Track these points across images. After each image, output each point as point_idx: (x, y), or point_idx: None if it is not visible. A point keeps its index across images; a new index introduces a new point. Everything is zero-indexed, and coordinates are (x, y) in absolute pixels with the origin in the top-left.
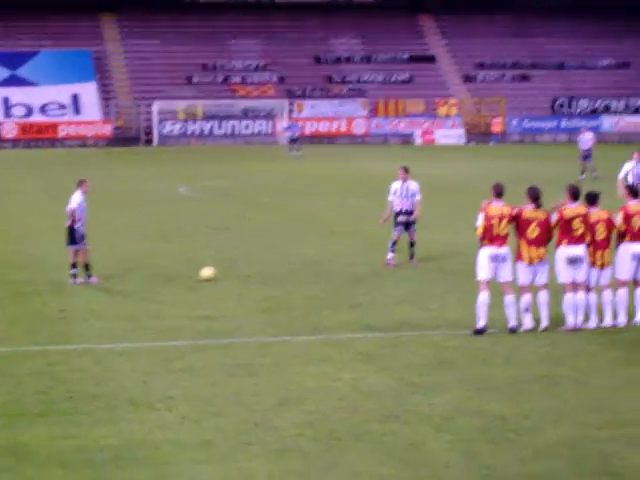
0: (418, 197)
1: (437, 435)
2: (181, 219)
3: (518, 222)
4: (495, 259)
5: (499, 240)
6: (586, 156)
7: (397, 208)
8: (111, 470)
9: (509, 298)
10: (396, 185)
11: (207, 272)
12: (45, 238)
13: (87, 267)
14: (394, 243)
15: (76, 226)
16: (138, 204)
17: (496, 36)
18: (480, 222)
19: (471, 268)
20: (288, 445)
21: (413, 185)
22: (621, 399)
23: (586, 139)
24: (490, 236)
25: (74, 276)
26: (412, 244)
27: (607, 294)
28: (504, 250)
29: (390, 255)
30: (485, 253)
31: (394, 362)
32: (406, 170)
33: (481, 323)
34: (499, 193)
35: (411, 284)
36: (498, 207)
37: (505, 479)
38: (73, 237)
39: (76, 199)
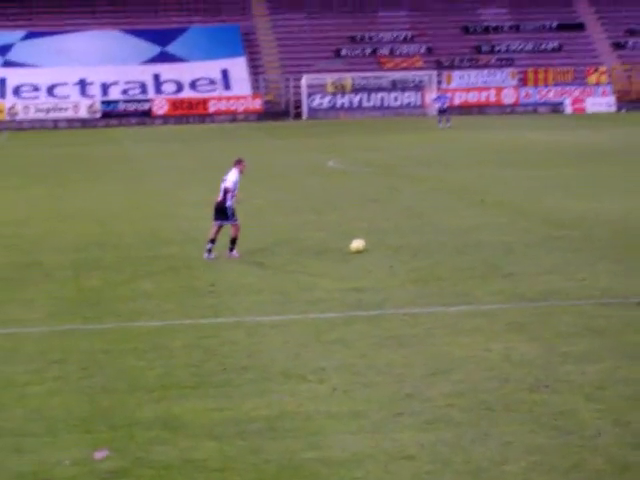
0: None
1: (588, 404)
2: (331, 192)
3: None
4: None
5: None
6: None
7: None
8: (263, 441)
9: None
10: None
11: (357, 244)
12: (195, 213)
13: (233, 241)
14: None
15: (228, 203)
16: (288, 177)
17: None
18: None
19: (619, 237)
20: (439, 415)
21: None
22: None
23: None
24: None
25: (209, 251)
26: None
27: None
28: None
29: None
30: None
31: (545, 331)
32: None
33: None
34: None
35: (560, 253)
36: None
37: None
38: (224, 213)
39: (232, 177)
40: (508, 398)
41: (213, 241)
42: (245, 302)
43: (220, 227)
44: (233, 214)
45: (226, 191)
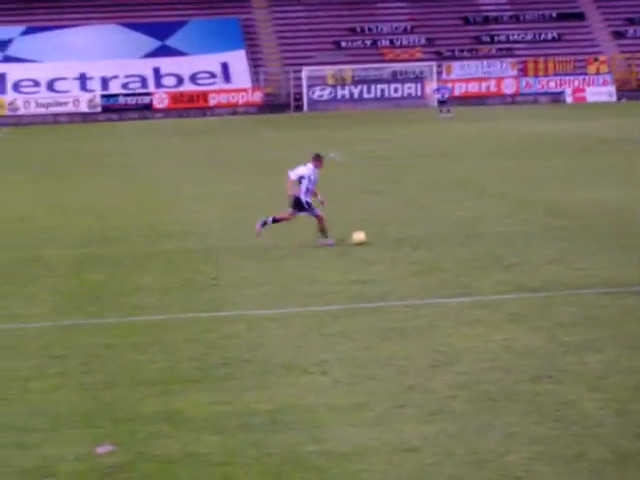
0: None
1: (590, 394)
2: (332, 184)
3: None
4: None
5: None
6: None
7: None
8: (266, 434)
9: None
10: None
11: (358, 236)
12: (196, 206)
13: (322, 230)
14: None
15: (302, 197)
16: (289, 170)
17: None
18: None
19: (620, 226)
20: (441, 407)
21: None
22: None
23: None
24: None
25: (264, 223)
26: None
27: None
28: None
29: None
30: None
31: (546, 322)
32: None
33: None
34: None
35: (561, 244)
36: None
37: None
38: (301, 206)
39: (301, 171)
40: (510, 389)
41: (275, 220)
42: (246, 295)
43: (293, 215)
44: (310, 207)
45: (301, 178)
